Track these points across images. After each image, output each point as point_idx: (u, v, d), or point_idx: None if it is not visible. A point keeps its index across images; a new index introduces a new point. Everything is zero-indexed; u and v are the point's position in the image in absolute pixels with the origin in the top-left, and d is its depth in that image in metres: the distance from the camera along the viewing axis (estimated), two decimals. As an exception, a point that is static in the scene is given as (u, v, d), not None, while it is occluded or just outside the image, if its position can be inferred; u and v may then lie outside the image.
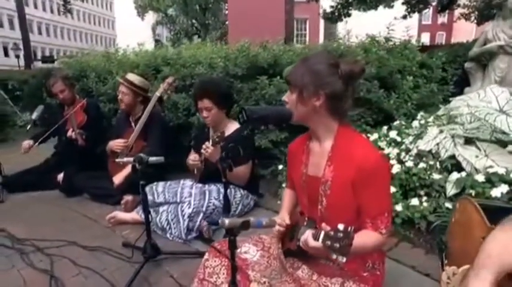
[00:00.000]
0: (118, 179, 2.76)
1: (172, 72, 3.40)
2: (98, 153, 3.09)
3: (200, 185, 2.31)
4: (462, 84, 3.62)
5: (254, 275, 1.38)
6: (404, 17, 11.73)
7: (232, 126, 2.36)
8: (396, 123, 2.65)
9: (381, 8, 11.79)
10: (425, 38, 32.90)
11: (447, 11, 12.80)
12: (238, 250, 1.47)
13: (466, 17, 11.63)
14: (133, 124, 2.87)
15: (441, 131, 2.20)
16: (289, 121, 1.27)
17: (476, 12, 10.79)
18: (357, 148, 1.27)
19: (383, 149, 2.35)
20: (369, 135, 2.65)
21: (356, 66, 1.29)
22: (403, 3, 11.47)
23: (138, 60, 4.04)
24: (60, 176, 3.07)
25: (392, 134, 2.49)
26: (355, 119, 2.76)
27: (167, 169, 2.77)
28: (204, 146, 2.09)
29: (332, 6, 11.10)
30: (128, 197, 2.55)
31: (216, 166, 1.83)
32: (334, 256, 1.01)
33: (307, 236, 1.09)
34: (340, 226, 1.02)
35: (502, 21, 2.96)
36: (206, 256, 1.51)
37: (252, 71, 3.03)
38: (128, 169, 2.68)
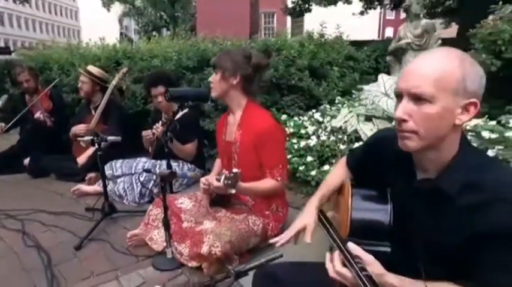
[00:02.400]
0: (81, 159, 3.11)
1: (131, 65, 3.74)
2: (64, 139, 3.40)
3: (153, 160, 2.72)
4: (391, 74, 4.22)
5: (185, 217, 1.84)
6: (362, 13, 12.45)
7: (181, 111, 2.77)
8: (321, 107, 3.17)
9: (340, 4, 12.44)
10: (390, 32, 34.38)
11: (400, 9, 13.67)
12: (176, 202, 1.93)
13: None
14: (93, 111, 3.21)
15: (350, 112, 2.73)
16: (206, 99, 1.73)
17: (425, 10, 11.69)
18: (257, 119, 1.76)
19: (306, 127, 2.86)
20: (300, 117, 3.16)
21: (262, 60, 1.81)
22: (360, 0, 12.16)
23: (100, 54, 4.31)
24: (27, 160, 3.35)
25: (317, 115, 3.01)
26: (289, 104, 3.25)
27: (126, 149, 3.12)
28: (154, 127, 2.49)
29: (293, 2, 11.61)
30: (91, 174, 2.91)
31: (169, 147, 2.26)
32: (229, 190, 1.48)
33: (211, 180, 1.55)
34: (234, 170, 1.49)
35: (409, 23, 3.55)
36: (150, 207, 1.95)
37: (201, 63, 3.44)
38: (90, 150, 3.04)
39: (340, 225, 1.29)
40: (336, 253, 1.00)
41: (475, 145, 2.12)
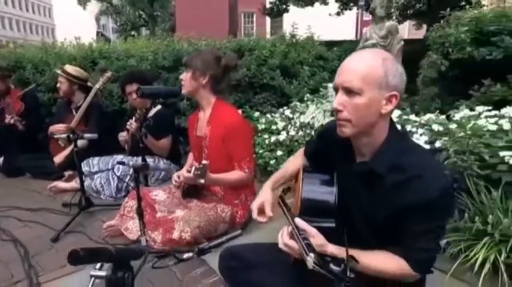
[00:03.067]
0: (59, 158, 3.14)
1: (107, 65, 3.79)
2: (40, 139, 3.42)
3: (130, 156, 2.80)
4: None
5: (159, 208, 1.95)
6: (338, 13, 12.80)
7: (155, 108, 2.87)
8: (292, 104, 3.33)
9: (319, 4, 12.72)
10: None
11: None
12: (151, 194, 2.04)
13: (388, 16, 12.99)
14: (74, 111, 3.23)
15: (317, 108, 2.91)
16: (177, 96, 1.86)
17: (397, 12, 12.16)
18: (225, 115, 1.89)
19: (277, 123, 3.03)
20: (272, 114, 3.32)
21: (232, 61, 1.95)
22: (336, 1, 12.49)
23: (76, 53, 4.31)
24: (0, 160, 3.35)
25: (287, 112, 3.18)
26: (262, 101, 3.41)
27: (104, 148, 3.17)
28: (128, 123, 2.58)
29: (271, 2, 11.81)
30: (69, 172, 2.97)
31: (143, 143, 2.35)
32: (198, 180, 1.60)
33: (183, 172, 1.68)
34: (203, 162, 1.61)
35: (375, 25, 3.78)
36: (126, 199, 2.05)
37: (176, 62, 3.54)
38: (68, 149, 3.08)
39: (295, 206, 1.45)
40: (285, 228, 1.15)
41: (426, 137, 2.34)
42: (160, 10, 28.39)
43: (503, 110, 2.07)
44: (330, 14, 12.84)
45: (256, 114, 3.27)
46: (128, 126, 2.57)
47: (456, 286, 1.52)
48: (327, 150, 1.36)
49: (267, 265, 1.41)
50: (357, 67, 1.06)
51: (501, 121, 1.92)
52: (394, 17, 12.91)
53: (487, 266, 1.48)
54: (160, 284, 1.60)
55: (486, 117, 2.19)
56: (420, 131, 2.36)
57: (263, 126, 3.03)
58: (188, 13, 18.13)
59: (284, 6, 11.53)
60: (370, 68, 1.05)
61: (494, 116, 2.10)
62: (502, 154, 1.72)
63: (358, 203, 1.21)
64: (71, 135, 2.18)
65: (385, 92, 1.05)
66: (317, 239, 1.07)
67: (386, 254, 1.12)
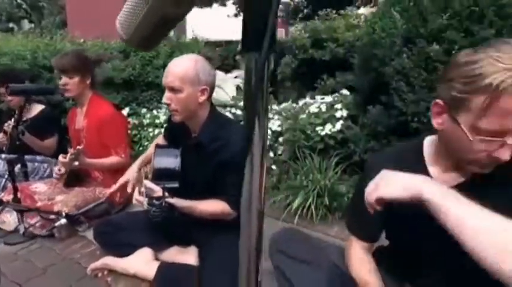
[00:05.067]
0: None
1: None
2: None
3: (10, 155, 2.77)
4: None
5: (39, 197, 2.10)
6: (236, 15, 13.51)
7: (37, 108, 2.89)
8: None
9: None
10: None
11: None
12: (30, 187, 2.17)
13: (282, 18, 14.29)
14: None
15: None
16: (50, 93, 2.05)
17: (289, 15, 13.45)
18: (100, 108, 2.15)
19: (159, 117, 3.34)
20: (158, 110, 3.62)
21: (97, 57, 2.21)
22: (233, 3, 13.15)
23: None
24: None
25: (172, 107, 3.52)
26: (148, 98, 3.67)
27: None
28: (6, 124, 2.58)
29: (169, 1, 11.80)
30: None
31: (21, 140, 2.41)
32: (73, 163, 1.84)
33: (59, 159, 1.89)
34: (78, 147, 1.85)
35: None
36: (2, 194, 2.14)
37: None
38: None
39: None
40: (136, 188, 1.51)
41: (279, 121, 2.92)
42: (46, 1, 25.30)
43: (326, 98, 2.78)
44: (228, 16, 13.47)
45: (144, 110, 3.52)
46: (5, 128, 2.58)
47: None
48: (175, 130, 1.76)
49: (133, 226, 1.75)
50: (176, 70, 1.46)
51: (321, 105, 2.60)
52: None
53: (304, 210, 2.09)
54: (41, 262, 1.79)
55: (320, 103, 2.90)
56: (276, 117, 2.96)
57: (148, 121, 3.31)
58: (81, 7, 16.71)
59: (182, 5, 11.65)
60: (185, 70, 1.45)
61: (323, 102, 2.80)
62: (317, 128, 2.37)
63: (194, 168, 1.64)
64: None
65: (198, 87, 1.48)
66: (159, 193, 1.46)
67: (214, 201, 1.57)
